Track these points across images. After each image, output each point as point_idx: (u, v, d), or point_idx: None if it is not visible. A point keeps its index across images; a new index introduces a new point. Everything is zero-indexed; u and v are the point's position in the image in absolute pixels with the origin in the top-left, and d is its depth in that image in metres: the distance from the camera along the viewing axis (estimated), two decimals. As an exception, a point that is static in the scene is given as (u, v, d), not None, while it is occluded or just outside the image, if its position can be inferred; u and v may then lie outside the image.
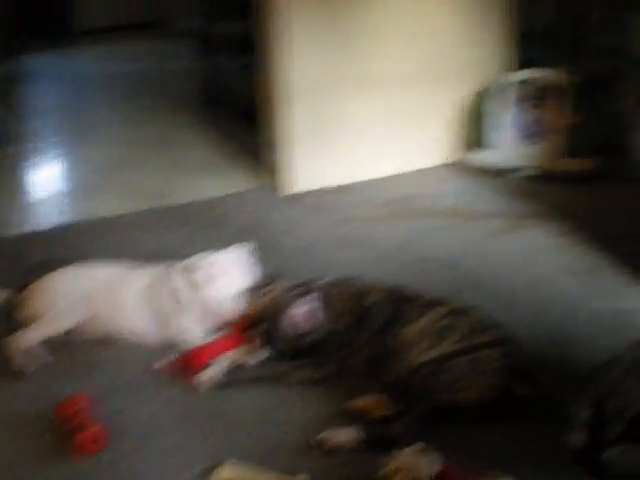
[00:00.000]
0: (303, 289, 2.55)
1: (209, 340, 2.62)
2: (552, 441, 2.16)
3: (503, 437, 2.24)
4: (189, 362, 2.52)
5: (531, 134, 4.15)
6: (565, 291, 3.02)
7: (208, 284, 2.61)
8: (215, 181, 4.26)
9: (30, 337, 2.62)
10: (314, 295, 2.52)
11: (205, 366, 2.49)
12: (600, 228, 3.51)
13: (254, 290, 2.63)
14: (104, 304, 2.73)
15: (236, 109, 5.21)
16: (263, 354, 2.55)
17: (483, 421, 2.27)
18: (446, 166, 4.31)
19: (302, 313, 2.51)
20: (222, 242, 3.33)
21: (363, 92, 4.07)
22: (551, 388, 2.34)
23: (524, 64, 4.31)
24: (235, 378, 2.48)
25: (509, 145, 4.17)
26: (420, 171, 4.26)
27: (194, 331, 2.64)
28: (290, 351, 2.52)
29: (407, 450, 2.07)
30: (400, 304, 2.51)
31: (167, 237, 3.57)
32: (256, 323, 2.56)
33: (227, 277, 2.62)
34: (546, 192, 3.95)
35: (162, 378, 2.54)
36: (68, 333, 2.70)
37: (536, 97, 4.17)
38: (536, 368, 2.39)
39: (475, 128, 4.26)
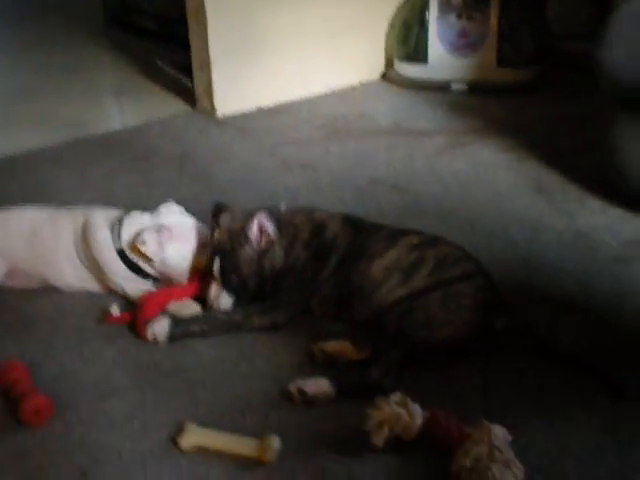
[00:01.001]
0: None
1: (158, 289, 2.34)
2: (534, 377, 2.04)
3: (484, 375, 2.06)
4: (139, 312, 2.23)
5: (461, 46, 3.91)
6: (522, 211, 2.85)
7: (159, 255, 2.31)
8: (134, 108, 3.92)
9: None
10: (262, 212, 2.25)
11: (156, 315, 2.21)
12: (542, 142, 3.35)
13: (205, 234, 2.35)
14: (31, 253, 2.42)
15: (144, 30, 4.82)
16: (222, 300, 2.27)
17: (461, 359, 2.08)
18: (378, 81, 4.08)
19: (255, 231, 2.24)
20: (150, 175, 3.08)
21: (291, 7, 3.77)
22: (527, 317, 2.20)
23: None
24: (189, 328, 2.21)
25: (440, 58, 3.94)
26: (353, 88, 4.02)
27: (134, 284, 2.35)
28: (250, 282, 2.26)
29: (389, 400, 1.85)
30: (363, 237, 2.28)
31: (90, 172, 3.24)
32: (210, 263, 2.28)
33: (176, 242, 2.32)
34: (483, 106, 3.76)
35: (108, 331, 2.26)
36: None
37: (465, 7, 3.92)
38: (506, 295, 2.22)
39: (405, 41, 4.00)
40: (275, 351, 2.17)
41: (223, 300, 2.27)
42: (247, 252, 2.25)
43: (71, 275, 2.41)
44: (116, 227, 2.36)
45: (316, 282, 2.26)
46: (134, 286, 2.37)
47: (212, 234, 2.30)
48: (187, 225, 2.38)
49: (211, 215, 2.34)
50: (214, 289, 2.28)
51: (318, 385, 1.98)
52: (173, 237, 2.32)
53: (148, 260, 2.32)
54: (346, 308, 2.23)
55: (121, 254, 2.34)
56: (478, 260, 2.24)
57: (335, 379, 1.99)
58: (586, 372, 2.03)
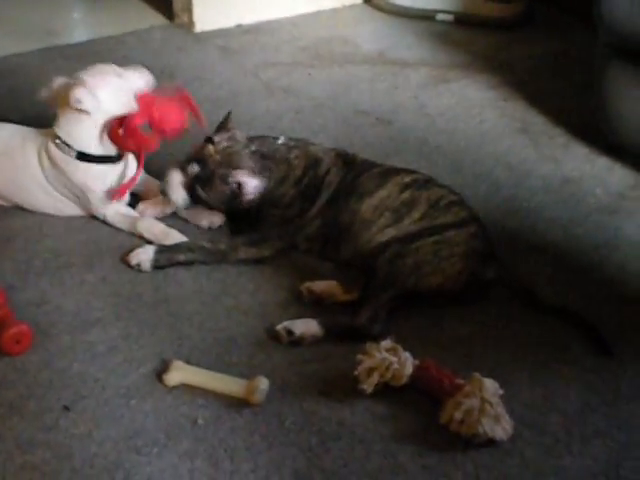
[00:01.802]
0: (259, 151, 2.22)
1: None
2: (522, 329, 2.02)
3: (473, 325, 2.04)
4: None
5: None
6: (507, 153, 2.80)
7: (98, 104, 2.20)
8: (108, 17, 3.73)
9: None
10: (266, 166, 2.18)
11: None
12: (528, 81, 3.28)
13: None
14: (1, 175, 2.31)
15: None
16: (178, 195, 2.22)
17: (450, 307, 2.05)
18: (362, 5, 3.93)
19: (249, 183, 2.17)
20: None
21: None
22: (516, 265, 2.18)
23: None
24: (174, 256, 2.14)
25: (427, -15, 3.81)
26: (335, 10, 3.87)
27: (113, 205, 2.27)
28: (213, 203, 2.24)
29: (380, 346, 1.82)
30: (355, 174, 2.22)
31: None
32: (191, 159, 2.23)
33: (104, 86, 2.22)
34: (469, 39, 3.66)
35: (88, 255, 2.18)
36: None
37: None
38: (495, 241, 2.19)
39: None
40: (260, 287, 2.12)
41: (179, 195, 2.22)
42: (222, 189, 2.18)
43: (45, 201, 2.31)
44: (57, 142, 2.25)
45: (304, 218, 2.20)
46: (114, 211, 2.28)
47: (206, 142, 2.23)
48: (101, 69, 2.28)
49: (218, 125, 2.28)
50: (176, 178, 2.21)
51: (306, 326, 1.94)
52: (98, 84, 2.21)
53: (92, 119, 2.20)
54: (334, 246, 2.18)
55: (80, 156, 2.23)
56: (471, 206, 2.19)
57: (323, 320, 1.94)
58: (573, 326, 2.01)
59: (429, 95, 3.15)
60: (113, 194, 2.24)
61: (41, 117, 2.63)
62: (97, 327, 1.95)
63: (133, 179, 2.25)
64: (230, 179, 2.18)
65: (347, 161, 2.27)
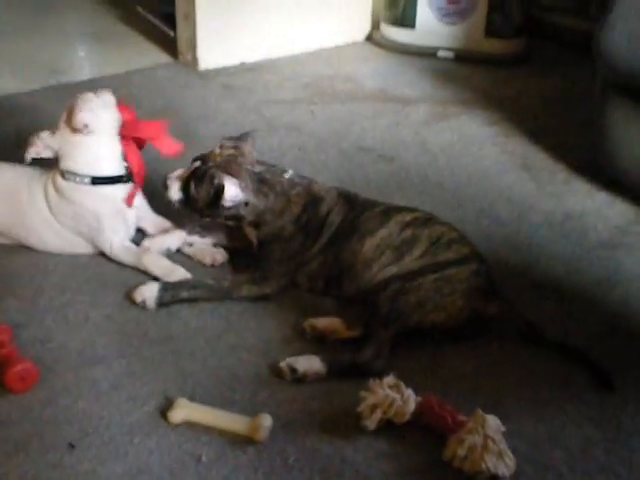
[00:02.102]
0: (260, 175, 2.25)
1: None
2: (523, 364, 2.03)
3: (476, 361, 2.05)
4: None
5: (451, 12, 3.84)
6: (509, 189, 2.83)
7: (100, 122, 2.29)
8: (114, 56, 3.79)
9: None
10: (261, 190, 2.23)
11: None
12: (528, 117, 3.33)
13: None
14: (7, 215, 2.34)
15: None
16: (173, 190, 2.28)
17: (452, 343, 2.06)
18: (364, 43, 4.00)
19: (230, 189, 2.18)
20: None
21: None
22: (518, 301, 2.18)
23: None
24: (178, 293, 2.16)
25: (428, 24, 3.86)
26: (337, 47, 3.94)
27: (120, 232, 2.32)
28: (198, 205, 2.25)
29: (383, 383, 1.83)
30: (357, 213, 2.24)
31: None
32: (198, 158, 2.27)
33: (102, 106, 2.32)
34: (469, 76, 3.71)
35: (93, 293, 2.20)
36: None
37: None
38: (497, 276, 2.20)
39: (393, 4, 3.92)
40: (263, 323, 2.13)
41: (174, 188, 2.26)
42: (208, 188, 2.20)
43: (51, 240, 2.33)
44: (67, 176, 2.29)
45: (306, 256, 2.22)
46: (121, 242, 2.31)
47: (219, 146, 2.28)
48: (81, 96, 2.34)
49: (240, 135, 2.35)
50: (177, 171, 2.27)
51: (309, 362, 1.95)
52: (92, 104, 2.29)
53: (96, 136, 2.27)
54: (335, 284, 2.20)
55: (95, 181, 2.28)
56: (472, 243, 2.21)
57: (326, 357, 1.95)
58: (575, 362, 2.02)
59: (430, 131, 3.18)
60: (127, 198, 2.31)
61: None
62: (101, 364, 1.97)
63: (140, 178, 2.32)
64: (216, 180, 2.19)
65: (349, 200, 2.28)
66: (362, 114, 3.29)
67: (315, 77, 3.60)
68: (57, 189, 2.28)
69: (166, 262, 2.26)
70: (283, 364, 1.95)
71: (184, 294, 2.16)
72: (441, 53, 3.84)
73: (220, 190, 2.16)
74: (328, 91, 3.48)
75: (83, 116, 2.24)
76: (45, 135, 2.30)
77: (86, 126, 2.24)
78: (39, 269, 2.29)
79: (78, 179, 2.27)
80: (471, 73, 3.71)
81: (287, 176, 2.28)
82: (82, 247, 2.33)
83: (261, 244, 2.26)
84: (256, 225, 2.25)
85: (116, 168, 2.31)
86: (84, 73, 3.59)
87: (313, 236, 2.22)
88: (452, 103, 3.42)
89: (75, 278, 2.26)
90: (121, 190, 2.32)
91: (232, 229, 2.34)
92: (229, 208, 2.20)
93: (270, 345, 2.05)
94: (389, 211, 2.24)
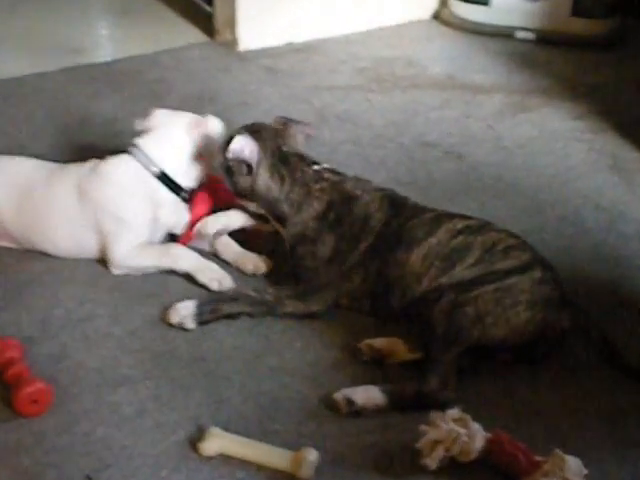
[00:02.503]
0: (287, 155, 2.36)
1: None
2: (604, 392, 2.03)
3: (550, 391, 2.06)
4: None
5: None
6: (596, 193, 2.83)
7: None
8: (141, 33, 3.86)
9: None
10: (279, 170, 2.33)
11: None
12: (620, 109, 3.32)
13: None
14: (21, 213, 2.40)
15: None
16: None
17: (521, 361, 2.09)
18: (429, 21, 4.02)
19: (239, 140, 2.30)
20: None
21: None
22: (598, 317, 2.19)
23: None
24: (219, 308, 2.21)
25: (505, 0, 3.87)
26: (398, 26, 3.97)
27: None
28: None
29: (446, 416, 1.85)
30: (401, 221, 2.26)
31: (88, 109, 3.18)
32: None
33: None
34: (552, 61, 3.73)
35: (115, 306, 2.25)
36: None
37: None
38: (576, 292, 2.22)
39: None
40: (308, 344, 2.17)
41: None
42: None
43: (66, 241, 2.39)
44: (138, 155, 2.39)
45: (344, 265, 2.24)
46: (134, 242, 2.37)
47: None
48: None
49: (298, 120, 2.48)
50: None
51: (368, 394, 1.97)
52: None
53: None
54: (382, 303, 2.22)
55: (162, 177, 2.39)
56: (535, 249, 2.21)
57: (386, 387, 1.98)
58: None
59: (506, 125, 3.20)
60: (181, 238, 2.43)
61: (63, 147, 2.73)
62: (124, 387, 2.01)
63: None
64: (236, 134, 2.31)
65: (395, 204, 2.30)
66: (426, 104, 3.32)
67: (372, 60, 3.63)
68: (102, 176, 2.37)
69: (196, 256, 2.33)
70: (338, 395, 1.97)
71: (224, 308, 2.21)
72: (519, 34, 3.84)
73: (229, 141, 2.27)
74: (387, 77, 3.51)
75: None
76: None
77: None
78: (54, 277, 2.35)
79: (147, 163, 2.38)
80: (554, 57, 3.72)
81: (315, 168, 2.34)
82: (90, 250, 2.38)
83: (292, 250, 2.31)
84: (279, 219, 2.33)
85: (187, 181, 2.43)
86: (106, 53, 3.68)
87: (348, 241, 2.26)
88: (531, 92, 3.43)
89: (95, 288, 2.31)
90: (175, 205, 2.41)
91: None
92: (231, 165, 2.32)
93: (317, 369, 2.08)
94: (439, 218, 2.25)
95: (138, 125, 2.45)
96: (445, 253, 2.16)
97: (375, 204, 2.30)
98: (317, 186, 2.32)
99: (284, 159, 2.33)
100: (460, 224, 2.22)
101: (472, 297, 2.06)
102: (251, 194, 2.35)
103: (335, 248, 2.26)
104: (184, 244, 2.41)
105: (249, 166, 2.32)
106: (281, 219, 2.34)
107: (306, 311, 2.24)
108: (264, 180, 2.32)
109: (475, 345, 2.06)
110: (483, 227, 2.23)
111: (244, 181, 2.34)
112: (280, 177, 2.31)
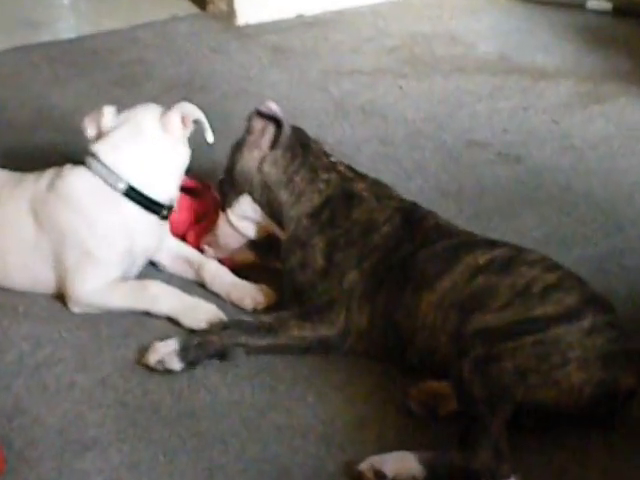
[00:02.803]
0: (303, 138, 2.49)
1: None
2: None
3: (612, 457, 2.06)
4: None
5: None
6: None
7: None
8: (113, 4, 3.92)
9: None
10: (293, 148, 2.45)
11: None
12: None
13: None
14: None
15: None
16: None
17: (575, 428, 2.09)
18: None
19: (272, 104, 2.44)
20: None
21: None
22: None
23: None
24: (203, 343, 2.23)
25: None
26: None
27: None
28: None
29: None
30: (415, 244, 2.28)
31: (48, 96, 3.22)
32: None
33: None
34: (634, 38, 3.72)
35: (80, 347, 2.27)
36: None
37: None
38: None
39: None
40: (324, 396, 2.17)
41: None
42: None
43: (19, 271, 2.42)
44: (96, 167, 2.37)
45: (340, 281, 2.28)
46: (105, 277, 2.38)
47: None
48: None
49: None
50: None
51: (402, 464, 1.97)
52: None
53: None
54: (397, 351, 2.25)
55: (131, 193, 2.37)
56: (585, 284, 2.19)
57: (424, 456, 1.98)
58: None
59: (575, 120, 3.22)
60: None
61: (13, 149, 2.75)
62: (93, 451, 2.02)
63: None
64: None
65: (410, 222, 2.33)
66: (474, 92, 3.35)
67: (405, 37, 3.67)
68: (64, 190, 2.37)
69: (178, 294, 2.35)
70: (365, 466, 1.97)
71: (215, 340, 2.23)
72: (592, 3, 3.86)
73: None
74: (424, 58, 3.54)
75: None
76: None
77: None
78: (5, 313, 2.37)
79: (112, 179, 2.36)
80: (634, 34, 3.72)
81: (333, 159, 2.43)
82: (49, 284, 2.40)
83: (283, 263, 2.39)
84: (276, 219, 2.42)
85: (164, 193, 2.43)
86: (71, 29, 3.72)
87: (342, 250, 2.31)
88: (607, 78, 3.46)
89: (56, 326, 2.34)
90: (152, 225, 2.42)
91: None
92: (248, 137, 2.43)
93: (334, 428, 2.09)
94: (458, 249, 2.26)
95: (88, 127, 2.43)
96: (462, 300, 2.17)
97: (384, 214, 2.34)
98: (325, 176, 2.41)
99: (304, 140, 2.45)
100: (482, 258, 2.22)
101: (508, 349, 2.06)
102: (251, 180, 2.43)
103: (327, 256, 2.31)
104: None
105: (274, 138, 2.41)
106: (278, 218, 2.41)
107: (316, 335, 2.26)
108: (275, 157, 2.40)
109: (521, 406, 2.06)
110: (512, 260, 2.22)
111: (251, 159, 2.43)
112: (292, 155, 2.42)
